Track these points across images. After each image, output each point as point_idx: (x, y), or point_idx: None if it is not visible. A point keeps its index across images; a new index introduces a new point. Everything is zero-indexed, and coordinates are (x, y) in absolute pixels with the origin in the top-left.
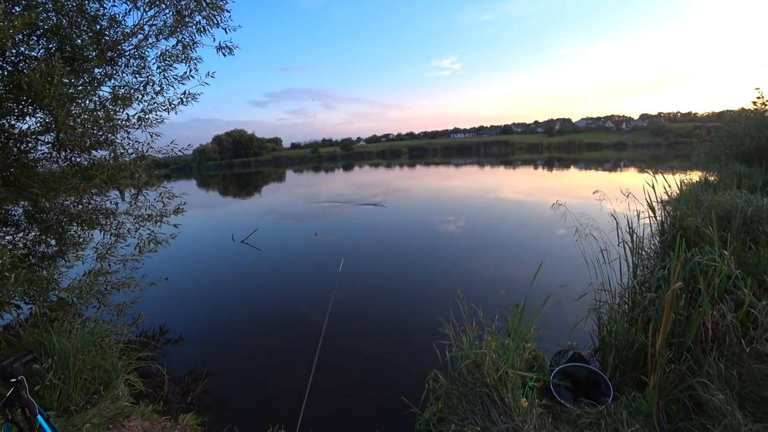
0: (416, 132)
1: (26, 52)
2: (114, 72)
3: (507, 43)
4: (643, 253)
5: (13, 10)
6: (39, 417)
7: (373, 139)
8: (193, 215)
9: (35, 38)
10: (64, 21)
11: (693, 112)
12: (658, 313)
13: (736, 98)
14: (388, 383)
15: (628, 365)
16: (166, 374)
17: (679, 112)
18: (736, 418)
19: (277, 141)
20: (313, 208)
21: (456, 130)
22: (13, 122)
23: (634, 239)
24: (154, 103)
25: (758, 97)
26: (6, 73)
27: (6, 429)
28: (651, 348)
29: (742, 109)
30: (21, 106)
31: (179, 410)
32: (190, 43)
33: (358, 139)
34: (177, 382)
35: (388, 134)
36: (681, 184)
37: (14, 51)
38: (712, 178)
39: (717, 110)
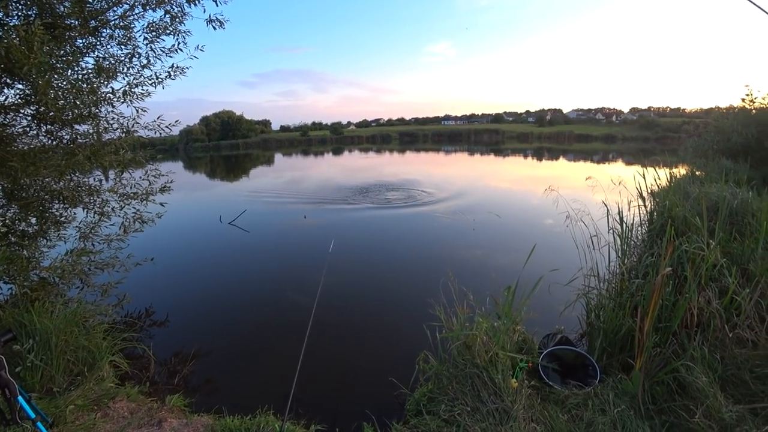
0: (407, 118)
1: (2, 18)
2: (98, 43)
3: (504, 30)
4: (632, 241)
5: None
6: (20, 398)
7: (364, 124)
8: (179, 196)
9: (12, 3)
10: None
11: (682, 108)
12: (646, 298)
13: (726, 95)
14: (379, 364)
15: (615, 349)
16: (152, 355)
17: (668, 107)
18: (717, 399)
19: (266, 123)
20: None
21: (447, 117)
22: None
23: (624, 227)
24: (141, 76)
25: (747, 95)
26: None
27: None
28: (638, 332)
29: (731, 106)
30: None
31: (166, 391)
32: (179, 14)
33: (349, 123)
34: (163, 363)
35: (379, 119)
36: (669, 176)
37: None
38: (698, 173)
39: (706, 107)
